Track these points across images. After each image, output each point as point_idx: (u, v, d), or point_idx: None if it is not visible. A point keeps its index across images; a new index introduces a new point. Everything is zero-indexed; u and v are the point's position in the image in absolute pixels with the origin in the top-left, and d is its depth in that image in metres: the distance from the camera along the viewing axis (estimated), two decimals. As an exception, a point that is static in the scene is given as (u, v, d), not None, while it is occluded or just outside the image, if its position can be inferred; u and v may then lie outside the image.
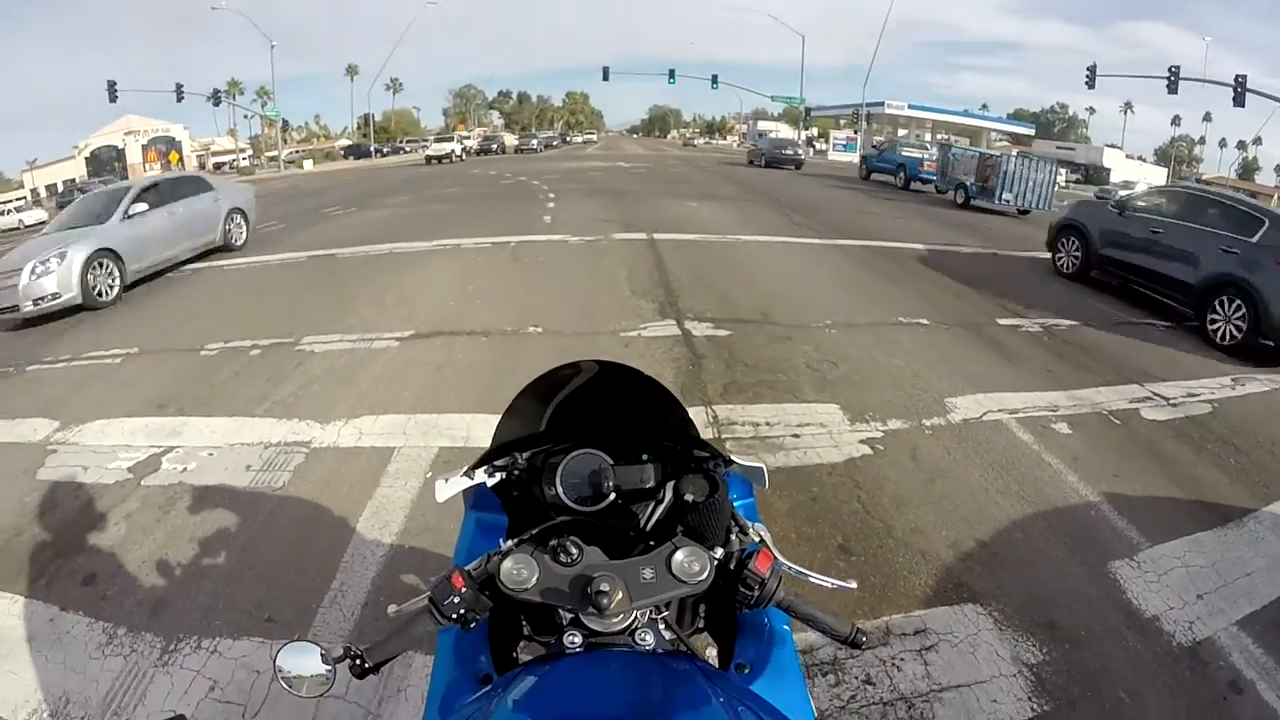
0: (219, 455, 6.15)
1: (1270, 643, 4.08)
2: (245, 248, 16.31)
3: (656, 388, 2.07)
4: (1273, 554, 4.94)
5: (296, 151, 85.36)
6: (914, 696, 3.61)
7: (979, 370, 8.10)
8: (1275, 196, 54.83)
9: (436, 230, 16.80)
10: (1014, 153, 34.18)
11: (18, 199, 55.14)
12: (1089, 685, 3.72)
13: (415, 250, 14.76)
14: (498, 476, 2.04)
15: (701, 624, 2.05)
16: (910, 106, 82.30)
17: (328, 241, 16.47)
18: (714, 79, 70.75)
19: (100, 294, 11.78)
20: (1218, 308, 10.38)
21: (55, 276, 11.27)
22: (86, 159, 72.79)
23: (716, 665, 1.91)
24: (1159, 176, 60.32)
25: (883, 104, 77.77)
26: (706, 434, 5.85)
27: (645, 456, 2.03)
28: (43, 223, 39.05)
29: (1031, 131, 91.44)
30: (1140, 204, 13.20)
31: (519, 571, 1.62)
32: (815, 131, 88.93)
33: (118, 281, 12.21)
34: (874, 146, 44.83)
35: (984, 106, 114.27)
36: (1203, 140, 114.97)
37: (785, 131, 75.09)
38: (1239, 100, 40.86)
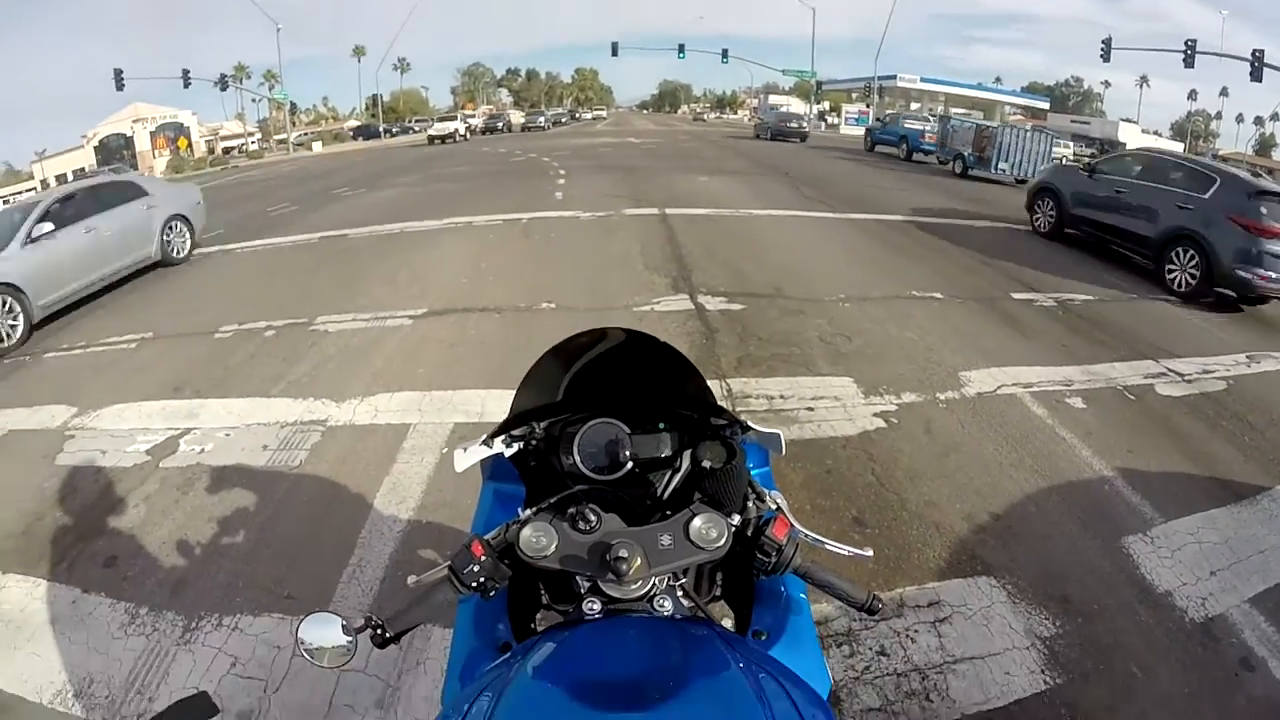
0: (236, 436, 6.17)
1: (1282, 620, 4.05)
2: (220, 242, 14.90)
3: (673, 354, 2.05)
4: (1286, 532, 4.90)
5: (305, 134, 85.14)
6: (928, 668, 3.61)
7: (993, 344, 8.05)
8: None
9: (447, 208, 16.79)
10: (1028, 126, 34.10)
11: (28, 189, 55.29)
12: (1101, 659, 3.70)
13: (426, 229, 14.75)
14: (515, 446, 2.02)
15: (719, 592, 2.04)
16: (923, 80, 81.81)
17: (338, 222, 16.43)
18: (724, 53, 70.30)
19: (-7, 339, 9.34)
20: (1174, 259, 11.46)
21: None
22: (95, 148, 72.69)
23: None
24: (1176, 151, 59.93)
25: (895, 77, 77.32)
26: (723, 406, 5.81)
27: (662, 425, 2.02)
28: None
29: (1046, 105, 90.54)
30: (1107, 167, 14.41)
31: (538, 539, 1.62)
32: (827, 105, 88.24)
33: (21, 321, 9.57)
34: (877, 119, 45.27)
35: (998, 80, 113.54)
36: (1219, 115, 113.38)
37: (797, 106, 74.70)
38: (1256, 75, 40.30)
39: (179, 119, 75.43)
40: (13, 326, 9.48)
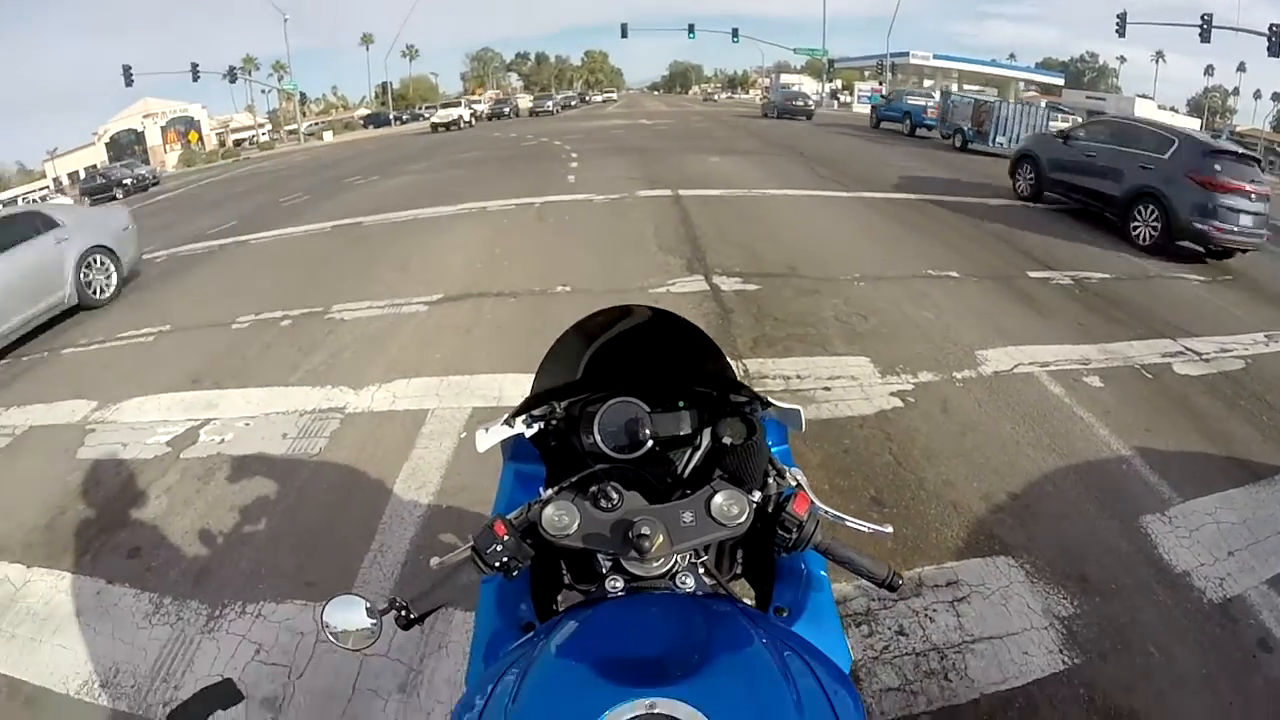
0: (255, 425, 6.20)
1: (1301, 602, 4.02)
2: (151, 283, 12.01)
3: (692, 331, 2.05)
4: (1305, 512, 4.87)
5: (316, 123, 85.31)
6: (946, 647, 3.60)
7: (1009, 323, 8.01)
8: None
9: (460, 194, 16.76)
10: (1042, 103, 34.09)
11: (40, 188, 55.57)
12: (1119, 639, 3.69)
13: (440, 215, 14.75)
14: (536, 427, 2.02)
15: (739, 569, 2.05)
16: (936, 56, 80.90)
17: (351, 211, 16.46)
18: (734, 32, 70.03)
19: None
20: (1137, 215, 12.70)
21: None
22: (107, 144, 72.91)
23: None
24: (1192, 128, 59.32)
25: (908, 54, 76.56)
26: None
27: (682, 403, 2.01)
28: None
29: (1061, 81, 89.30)
30: (1079, 133, 15.47)
31: (560, 518, 1.62)
32: (839, 84, 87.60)
33: None
34: (882, 97, 45.55)
35: (1011, 56, 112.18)
36: (1236, 91, 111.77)
37: (809, 84, 74.19)
38: (1274, 50, 39.76)
39: (189, 113, 75.63)
40: None
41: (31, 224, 10.68)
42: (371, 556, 4.35)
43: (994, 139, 26.68)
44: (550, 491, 1.77)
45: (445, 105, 63.12)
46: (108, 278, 11.23)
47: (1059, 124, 24.55)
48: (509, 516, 1.69)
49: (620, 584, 1.64)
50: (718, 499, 1.63)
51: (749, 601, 1.95)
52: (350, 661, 3.50)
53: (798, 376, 6.50)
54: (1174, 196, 12.05)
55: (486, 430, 1.93)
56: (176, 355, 8.23)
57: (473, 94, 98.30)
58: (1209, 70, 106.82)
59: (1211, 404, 6.37)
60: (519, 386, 6.20)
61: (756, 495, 1.71)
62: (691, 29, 69.15)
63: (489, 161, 25.11)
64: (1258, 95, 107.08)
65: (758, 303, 8.38)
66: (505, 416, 1.97)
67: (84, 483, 5.63)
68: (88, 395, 7.20)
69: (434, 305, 8.87)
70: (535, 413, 2.00)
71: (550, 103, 69.70)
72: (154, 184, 40.73)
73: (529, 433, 2.01)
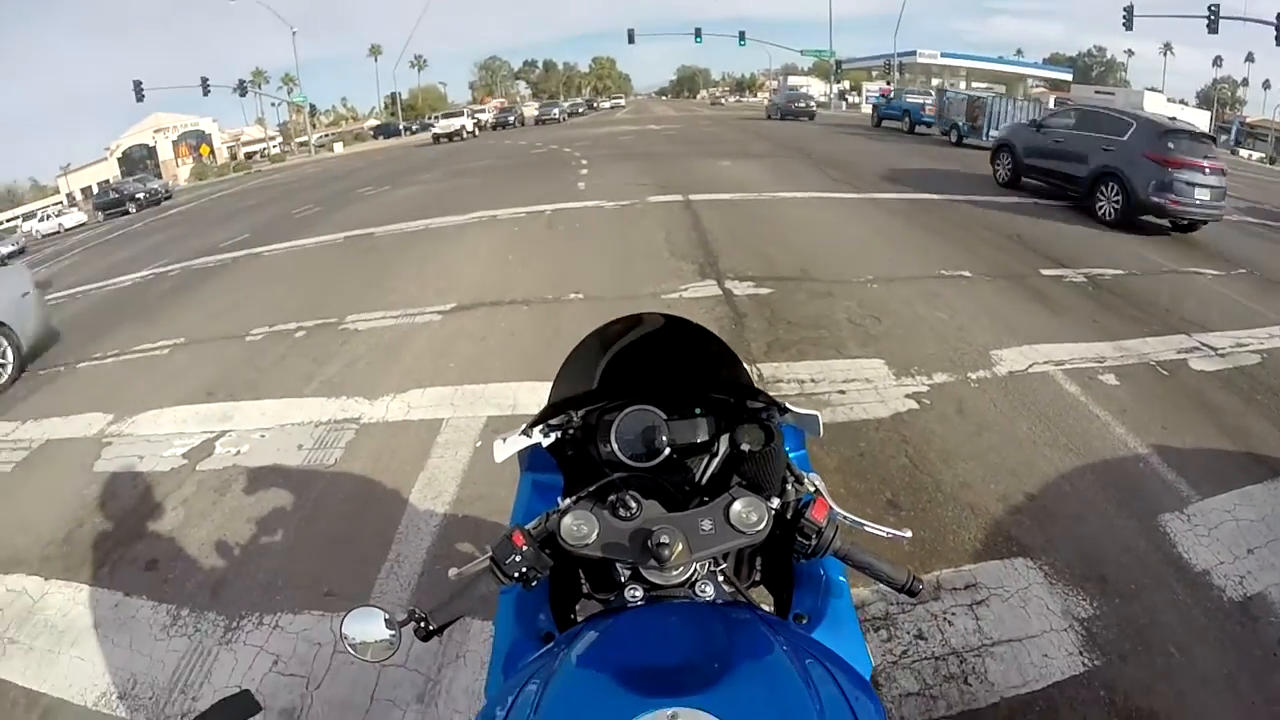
0: (271, 436, 6.22)
1: (1323, 599, 3.98)
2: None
3: (708, 338, 2.05)
4: (1325, 508, 4.82)
5: (326, 135, 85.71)
6: (965, 651, 3.57)
7: (1023, 322, 7.95)
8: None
9: (471, 203, 16.77)
10: (1051, 99, 34.29)
11: (54, 203, 55.97)
12: (1139, 640, 3.65)
13: (451, 224, 14.78)
14: (553, 436, 2.02)
15: (758, 576, 2.05)
16: (943, 55, 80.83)
17: (363, 221, 16.49)
18: (741, 35, 70.05)
19: None
20: (1101, 193, 13.97)
21: None
22: (119, 159, 73.45)
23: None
24: (1202, 120, 58.85)
25: (915, 53, 76.49)
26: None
27: (698, 410, 2.01)
28: (82, 225, 39.86)
29: (1069, 77, 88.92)
30: (1049, 121, 16.69)
31: (579, 527, 1.61)
32: (847, 85, 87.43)
33: None
34: (883, 96, 46.68)
35: (1019, 52, 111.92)
36: (1245, 82, 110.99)
37: (816, 86, 74.20)
38: (1282, 39, 39.64)
39: (200, 126, 76.20)
40: None
41: None
42: (388, 567, 4.35)
43: (987, 133, 27.18)
44: (568, 501, 1.76)
45: (447, 115, 60.31)
46: (2, 363, 8.76)
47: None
48: (527, 527, 1.69)
49: (639, 593, 1.63)
50: (736, 506, 1.62)
51: (768, 608, 1.94)
52: (368, 672, 3.50)
53: (812, 380, 6.48)
54: (1132, 174, 13.31)
55: (504, 440, 1.93)
56: (191, 367, 8.27)
57: (481, 102, 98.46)
58: (1217, 61, 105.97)
59: (1228, 399, 6.31)
60: (533, 394, 6.21)
61: (775, 502, 1.70)
62: (698, 33, 69.24)
63: (499, 170, 25.16)
64: (1267, 85, 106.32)
65: (771, 306, 8.36)
66: (523, 427, 1.97)
67: (101, 495, 5.66)
68: (104, 408, 7.25)
69: (447, 314, 8.88)
70: (552, 422, 2.00)
71: (556, 110, 68.06)
72: (166, 198, 41.08)
73: (546, 442, 2.01)
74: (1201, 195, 12.91)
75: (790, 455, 1.95)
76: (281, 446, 6.02)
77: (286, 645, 3.84)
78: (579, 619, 1.92)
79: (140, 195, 39.70)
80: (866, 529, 1.80)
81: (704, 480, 1.97)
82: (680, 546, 1.54)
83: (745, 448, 1.84)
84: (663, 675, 1.36)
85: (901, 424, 5.75)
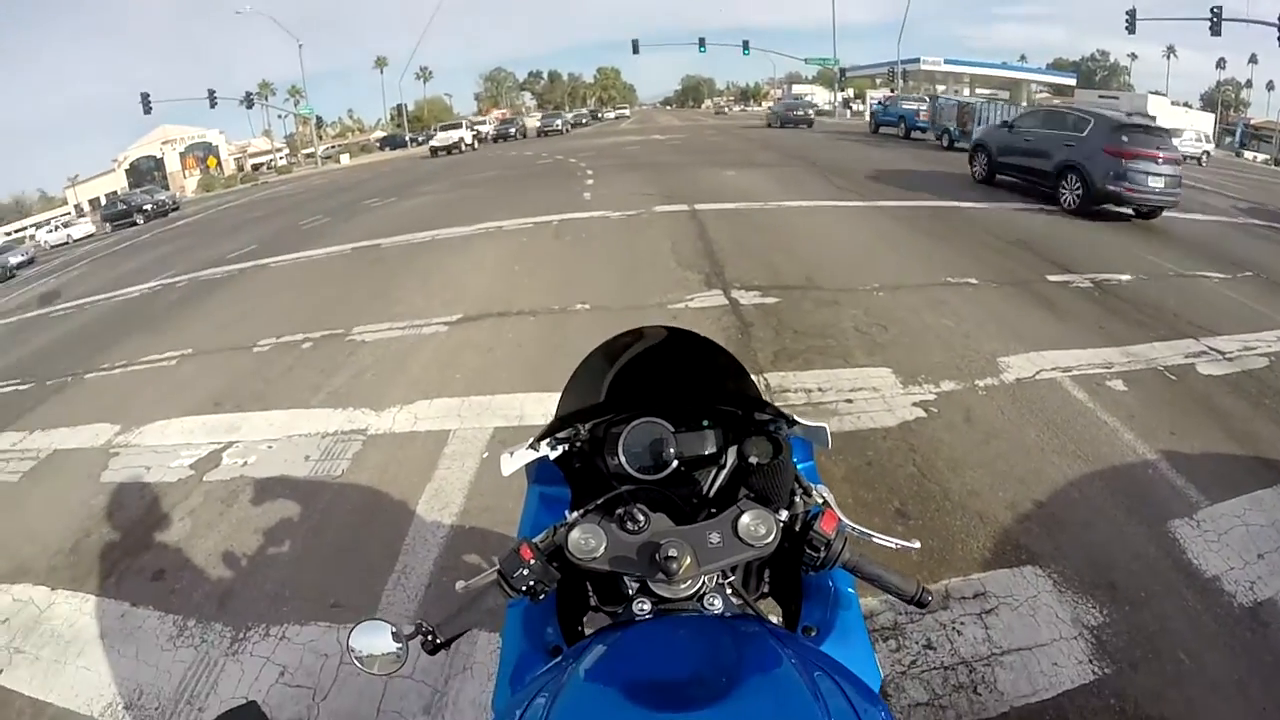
0: (278, 447, 6.23)
1: (1335, 603, 3.95)
2: None
3: (715, 350, 2.04)
4: (1336, 512, 4.78)
5: (333, 147, 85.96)
6: (975, 660, 3.55)
7: (1030, 328, 7.92)
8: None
9: (477, 214, 16.78)
10: (1056, 103, 34.61)
11: (62, 214, 56.23)
12: (1149, 647, 3.63)
13: (458, 235, 14.81)
14: (560, 449, 2.01)
15: (766, 589, 2.03)
16: (946, 61, 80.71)
17: (370, 232, 16.54)
18: (745, 45, 70.13)
19: None
20: (1064, 185, 15.35)
21: None
22: (126, 171, 73.72)
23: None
24: (1206, 123, 58.64)
25: (918, 60, 76.42)
26: (759, 400, 5.79)
27: (706, 422, 2.00)
28: (90, 235, 40.02)
29: (1073, 81, 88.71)
30: (1019, 122, 18.12)
31: (587, 541, 1.61)
32: (852, 93, 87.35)
33: None
34: (879, 103, 48.19)
35: (1022, 58, 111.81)
36: (1249, 84, 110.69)
37: (821, 94, 74.34)
38: (1285, 39, 39.59)
39: (207, 138, 76.47)
40: None
41: None
42: (395, 578, 4.35)
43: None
44: (576, 514, 1.75)
45: (444, 127, 57.84)
46: None
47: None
48: (535, 540, 1.68)
49: (647, 606, 1.63)
50: (745, 519, 1.61)
51: (776, 620, 1.93)
52: (375, 683, 3.50)
53: (819, 389, 6.47)
54: (1091, 166, 14.72)
55: (511, 454, 1.93)
56: (199, 378, 8.30)
57: (487, 112, 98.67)
58: (1220, 64, 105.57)
59: (1236, 404, 6.28)
60: (540, 406, 6.21)
61: (783, 514, 1.70)
62: (702, 43, 69.37)
63: (504, 181, 25.22)
64: (1270, 87, 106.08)
65: (777, 315, 8.35)
66: (530, 440, 1.96)
67: (108, 506, 5.67)
68: (111, 419, 7.27)
69: (454, 325, 8.89)
70: (559, 435, 2.00)
71: (559, 121, 66.41)
72: (174, 209, 41.24)
73: (553, 455, 2.01)
74: (1155, 183, 14.31)
75: (798, 467, 1.94)
76: (288, 457, 6.02)
77: (293, 656, 3.84)
78: (587, 632, 1.91)
79: (148, 207, 39.84)
80: (875, 540, 1.79)
81: (712, 493, 1.96)
82: (688, 559, 1.53)
83: (753, 460, 1.83)
84: (671, 689, 1.35)
85: (909, 433, 5.74)
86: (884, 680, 3.30)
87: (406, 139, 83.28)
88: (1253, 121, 78.97)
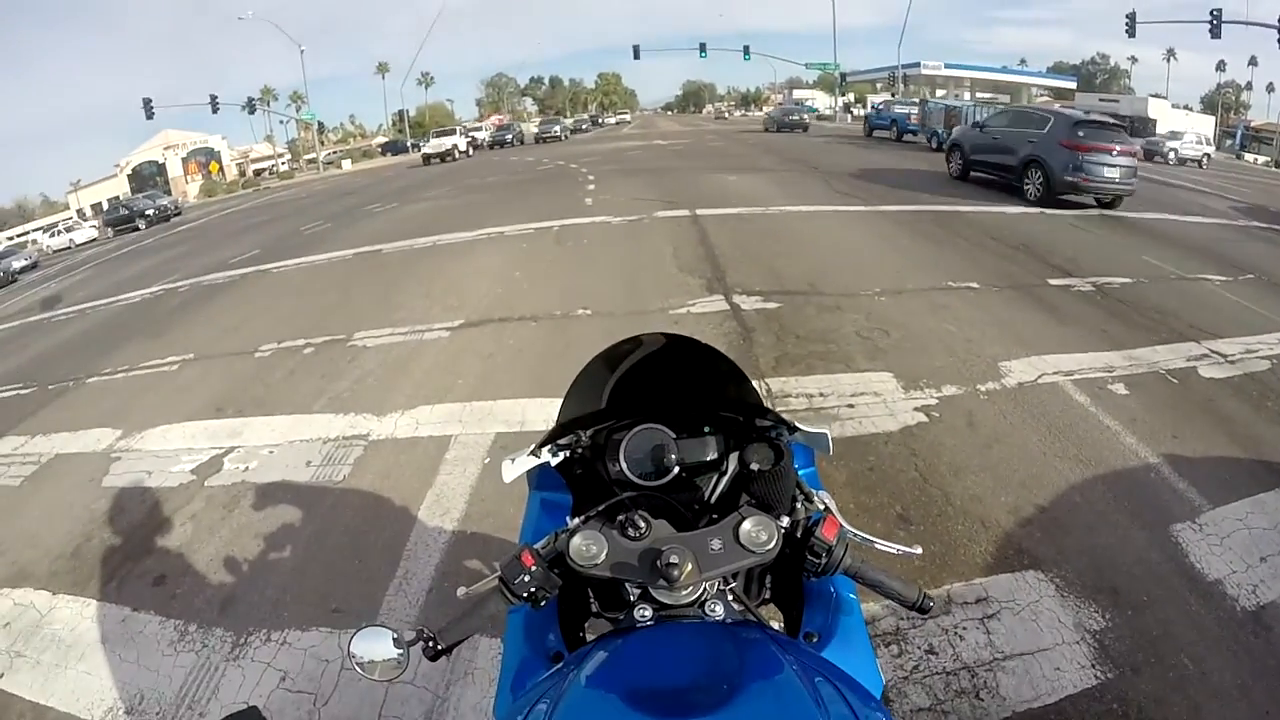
0: (279, 453, 6.23)
1: (1338, 606, 3.94)
2: None
3: (716, 357, 2.05)
4: (1338, 514, 4.77)
5: (334, 152, 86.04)
6: (977, 665, 3.54)
7: (1032, 332, 7.91)
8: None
9: (478, 220, 16.80)
10: (1056, 106, 34.90)
11: (65, 219, 56.31)
12: (1152, 651, 3.61)
13: (459, 241, 14.81)
14: (561, 455, 2.02)
15: (768, 595, 2.03)
16: (947, 65, 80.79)
17: (372, 238, 16.54)
18: (745, 50, 70.27)
19: None
20: (1027, 178, 16.99)
21: None
22: (129, 176, 73.85)
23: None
24: (1207, 125, 58.61)
25: (918, 65, 76.51)
26: (761, 405, 5.78)
27: (707, 429, 2.01)
28: (92, 241, 40.06)
29: (1073, 85, 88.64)
30: (989, 122, 20.08)
31: (588, 547, 1.61)
32: (852, 97, 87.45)
33: None
34: (873, 108, 50.82)
35: (1022, 61, 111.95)
36: (1249, 86, 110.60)
37: (822, 99, 74.47)
38: (1284, 41, 39.53)
39: (209, 144, 76.63)
40: None
41: None
42: (396, 584, 4.35)
43: None
44: (577, 521, 1.76)
45: (438, 133, 55.89)
46: None
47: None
48: (536, 546, 1.68)
49: (649, 612, 1.62)
50: (746, 525, 1.61)
51: (778, 627, 1.93)
52: (376, 689, 3.49)
53: (820, 394, 6.46)
54: (1051, 160, 16.25)
55: (513, 460, 1.93)
56: (200, 383, 8.30)
57: (485, 118, 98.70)
58: (1220, 66, 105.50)
59: (1238, 407, 6.27)
60: (542, 411, 6.21)
61: (785, 520, 1.70)
62: (703, 48, 69.37)
63: (506, 186, 25.23)
64: (1270, 89, 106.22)
65: (779, 321, 8.35)
66: (531, 447, 1.96)
67: (109, 510, 5.68)
68: (113, 423, 7.28)
69: (455, 331, 8.89)
70: (560, 442, 2.00)
71: (558, 127, 64.37)
72: (176, 214, 41.28)
73: (555, 461, 2.01)
74: (1111, 174, 15.91)
75: (800, 473, 1.94)
76: (290, 463, 6.02)
77: (294, 662, 3.84)
78: (588, 638, 1.91)
79: (150, 212, 39.86)
80: (876, 546, 1.79)
81: (713, 499, 1.97)
82: (690, 566, 1.53)
83: (754, 466, 1.83)
84: (673, 696, 1.35)
85: (911, 437, 5.73)
86: (886, 686, 3.29)
87: (408, 144, 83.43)
88: (1253, 124, 78.96)
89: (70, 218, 56.93)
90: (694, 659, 1.50)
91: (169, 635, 4.16)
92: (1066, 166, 15.89)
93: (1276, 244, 14.12)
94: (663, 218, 15.11)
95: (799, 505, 1.80)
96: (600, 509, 1.81)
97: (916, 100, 46.03)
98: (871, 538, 1.78)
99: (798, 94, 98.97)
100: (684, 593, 1.61)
